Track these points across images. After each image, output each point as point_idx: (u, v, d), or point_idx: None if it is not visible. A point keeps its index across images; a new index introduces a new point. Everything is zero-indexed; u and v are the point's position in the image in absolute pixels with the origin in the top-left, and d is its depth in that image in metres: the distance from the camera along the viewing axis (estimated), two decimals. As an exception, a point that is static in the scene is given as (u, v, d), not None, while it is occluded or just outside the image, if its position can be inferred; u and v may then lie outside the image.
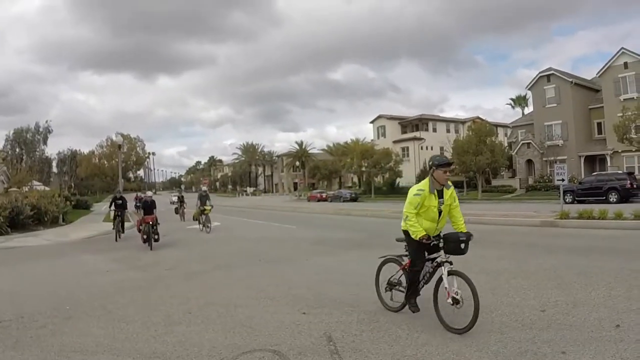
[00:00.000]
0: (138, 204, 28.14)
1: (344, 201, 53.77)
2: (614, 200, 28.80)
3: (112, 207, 20.43)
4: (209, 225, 21.37)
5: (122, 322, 6.70)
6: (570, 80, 47.01)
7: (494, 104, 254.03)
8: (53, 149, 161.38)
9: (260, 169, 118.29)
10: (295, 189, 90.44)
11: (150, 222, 15.62)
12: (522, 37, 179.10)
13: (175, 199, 38.23)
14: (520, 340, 5.14)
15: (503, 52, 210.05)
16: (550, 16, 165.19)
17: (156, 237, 15.66)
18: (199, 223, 22.52)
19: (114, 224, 20.21)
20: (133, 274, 11.09)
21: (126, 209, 21.24)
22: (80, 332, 6.31)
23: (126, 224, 21.17)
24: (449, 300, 5.56)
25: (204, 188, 25.50)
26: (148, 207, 16.43)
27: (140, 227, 16.59)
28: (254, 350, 5.26)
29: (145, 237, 15.68)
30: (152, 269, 11.66)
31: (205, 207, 21.94)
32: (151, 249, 15.12)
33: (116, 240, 18.85)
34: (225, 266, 11.52)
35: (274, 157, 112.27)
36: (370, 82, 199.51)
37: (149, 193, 18.96)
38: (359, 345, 5.26)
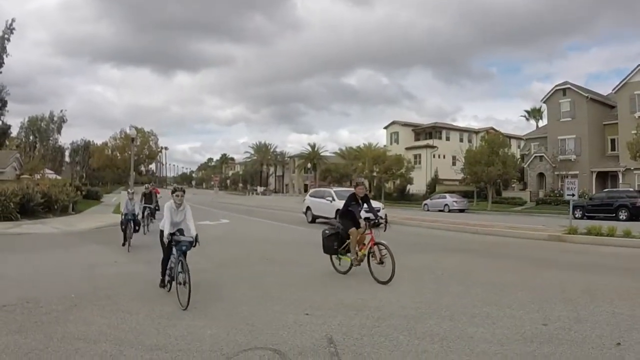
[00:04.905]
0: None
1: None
2: (624, 217, 28.55)
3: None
4: None
5: (126, 313, 6.76)
6: (586, 95, 46.78)
7: (507, 115, 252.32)
8: (67, 138, 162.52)
9: (272, 169, 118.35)
10: (306, 190, 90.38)
11: None
12: (535, 51, 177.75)
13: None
14: (520, 353, 5.15)
15: (516, 65, 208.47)
16: (563, 32, 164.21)
17: None
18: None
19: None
20: (140, 267, 11.16)
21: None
22: (84, 320, 6.38)
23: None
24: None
25: None
26: None
27: None
28: (255, 348, 5.31)
29: None
30: (159, 263, 11.70)
31: None
32: None
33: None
34: (232, 265, 11.58)
35: (286, 158, 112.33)
36: (384, 88, 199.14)
37: None
38: (359, 349, 5.29)
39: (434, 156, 68.92)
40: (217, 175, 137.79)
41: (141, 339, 5.62)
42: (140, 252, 13.17)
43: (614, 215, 29.01)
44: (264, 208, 42.50)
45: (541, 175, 49.72)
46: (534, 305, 7.24)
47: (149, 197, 19.49)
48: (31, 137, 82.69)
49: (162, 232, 7.94)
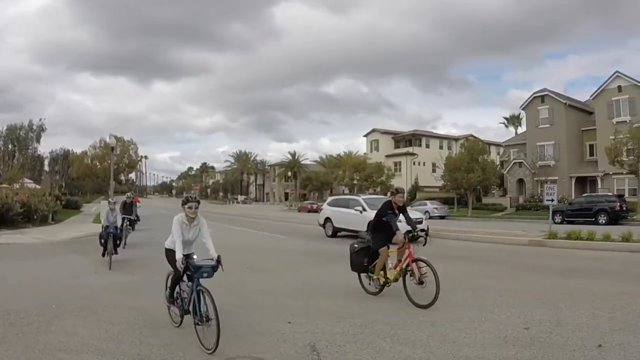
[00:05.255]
0: None
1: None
2: (603, 221, 28.91)
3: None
4: None
5: (108, 323, 6.70)
6: (564, 101, 47.31)
7: (486, 122, 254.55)
8: (46, 147, 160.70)
9: (252, 178, 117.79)
10: (287, 199, 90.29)
11: None
12: (513, 59, 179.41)
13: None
14: (502, 357, 5.18)
15: (495, 73, 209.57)
16: (542, 40, 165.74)
17: None
18: None
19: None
20: (121, 277, 11.07)
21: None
22: (65, 331, 6.31)
23: None
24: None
25: None
26: None
27: None
28: (238, 357, 5.30)
29: None
30: (140, 272, 11.64)
31: None
32: None
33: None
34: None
35: (266, 167, 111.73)
36: (364, 97, 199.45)
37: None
38: (342, 356, 5.29)
39: (414, 163, 69.14)
40: (197, 184, 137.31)
41: (123, 349, 5.58)
42: (120, 264, 13.03)
43: (594, 219, 29.33)
44: (245, 217, 42.40)
45: (521, 181, 50.11)
46: (516, 309, 7.30)
47: (128, 207, 18.13)
48: (10, 146, 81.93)
49: (168, 250, 6.53)
